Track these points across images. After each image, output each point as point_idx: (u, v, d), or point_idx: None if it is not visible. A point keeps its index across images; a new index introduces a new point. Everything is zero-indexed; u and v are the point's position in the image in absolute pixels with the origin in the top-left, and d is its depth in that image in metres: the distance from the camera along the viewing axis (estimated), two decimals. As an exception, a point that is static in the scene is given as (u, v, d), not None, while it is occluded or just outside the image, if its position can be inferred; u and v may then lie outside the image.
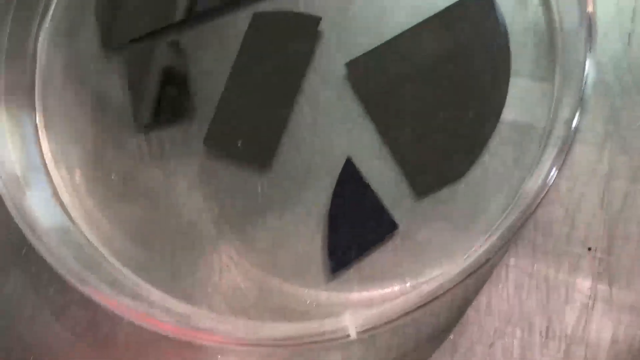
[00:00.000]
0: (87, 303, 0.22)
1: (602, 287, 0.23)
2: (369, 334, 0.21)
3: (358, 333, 0.20)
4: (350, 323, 0.21)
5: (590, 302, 0.23)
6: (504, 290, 0.24)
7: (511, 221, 0.21)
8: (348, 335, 0.20)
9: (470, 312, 0.24)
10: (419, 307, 0.21)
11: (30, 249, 0.23)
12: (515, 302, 0.24)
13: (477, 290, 0.24)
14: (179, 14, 0.25)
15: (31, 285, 0.25)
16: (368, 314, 0.21)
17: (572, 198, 0.24)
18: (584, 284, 0.23)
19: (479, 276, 0.23)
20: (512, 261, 0.24)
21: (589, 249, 0.23)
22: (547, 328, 0.23)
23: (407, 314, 0.21)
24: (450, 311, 0.24)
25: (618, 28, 0.25)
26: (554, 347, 0.23)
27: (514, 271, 0.24)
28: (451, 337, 0.24)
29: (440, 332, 0.24)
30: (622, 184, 0.24)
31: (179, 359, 0.24)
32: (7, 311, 0.25)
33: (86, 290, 0.21)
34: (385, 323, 0.21)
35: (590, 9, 0.22)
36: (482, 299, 0.24)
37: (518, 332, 0.24)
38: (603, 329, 0.23)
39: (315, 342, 0.21)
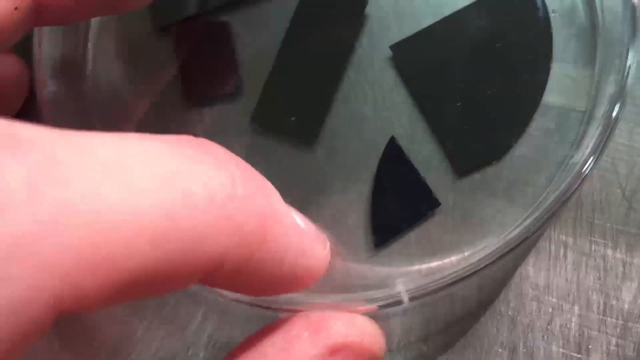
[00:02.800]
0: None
1: (658, 266, 0.23)
2: (421, 300, 0.21)
3: (410, 299, 0.20)
4: (403, 290, 0.21)
5: (647, 281, 0.23)
6: (562, 268, 0.24)
7: (551, 199, 0.21)
8: (401, 302, 0.20)
9: (529, 290, 0.24)
10: (472, 274, 0.20)
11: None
12: (573, 280, 0.24)
13: (531, 264, 0.24)
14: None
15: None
16: (420, 281, 0.21)
17: (630, 180, 0.24)
18: (640, 262, 0.23)
19: (524, 250, 0.24)
20: (570, 241, 0.24)
21: (646, 229, 0.23)
22: (605, 305, 0.23)
23: (459, 280, 0.21)
24: (500, 284, 0.24)
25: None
26: (611, 323, 0.23)
27: (572, 250, 0.24)
28: (510, 313, 0.24)
29: (496, 307, 0.24)
30: (680, 167, 0.24)
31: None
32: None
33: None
34: (438, 289, 0.21)
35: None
36: (540, 277, 0.24)
37: (576, 309, 0.24)
38: (659, 307, 0.23)
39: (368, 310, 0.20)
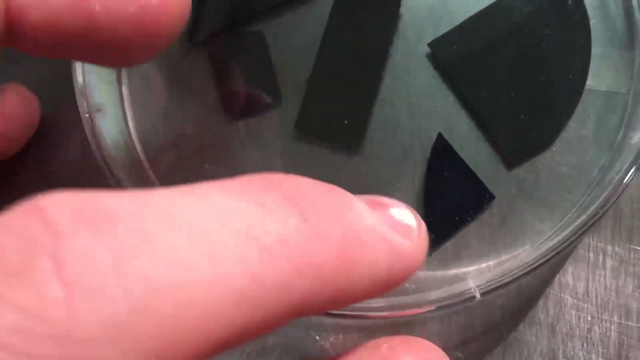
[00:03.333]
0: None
1: (697, 276, 0.23)
2: (493, 294, 0.21)
3: (482, 294, 0.21)
4: (474, 284, 0.21)
5: (685, 290, 0.23)
6: (601, 276, 0.24)
7: (591, 210, 0.21)
8: (474, 297, 0.21)
9: (568, 298, 0.24)
10: (539, 265, 0.21)
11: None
12: (612, 288, 0.24)
13: (570, 272, 0.24)
14: (260, 5, 0.26)
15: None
16: (489, 275, 0.21)
17: None
18: (679, 271, 0.23)
19: (563, 257, 0.24)
20: (609, 248, 0.24)
21: (685, 238, 0.23)
22: (645, 313, 0.23)
23: (529, 272, 0.21)
24: (538, 292, 0.24)
25: None
26: (651, 332, 0.23)
27: (611, 258, 0.24)
28: (549, 321, 0.24)
29: (535, 315, 0.24)
30: None
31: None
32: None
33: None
34: (509, 282, 0.21)
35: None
36: (580, 285, 0.24)
37: (615, 318, 0.23)
38: (697, 316, 0.23)
39: (443, 307, 0.21)
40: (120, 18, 0.17)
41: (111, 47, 0.17)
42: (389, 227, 0.15)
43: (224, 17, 0.26)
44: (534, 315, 0.24)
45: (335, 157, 0.25)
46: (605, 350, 0.23)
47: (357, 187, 0.24)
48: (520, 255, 0.23)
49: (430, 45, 0.25)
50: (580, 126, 0.24)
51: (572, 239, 0.21)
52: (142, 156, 0.25)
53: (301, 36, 0.25)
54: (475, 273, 0.23)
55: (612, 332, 0.24)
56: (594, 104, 0.24)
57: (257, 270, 0.12)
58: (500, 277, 0.21)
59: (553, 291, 0.24)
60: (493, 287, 0.21)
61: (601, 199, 0.22)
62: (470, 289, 0.20)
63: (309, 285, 0.13)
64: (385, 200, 0.16)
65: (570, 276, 0.24)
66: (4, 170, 0.25)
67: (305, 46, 0.25)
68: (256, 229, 0.12)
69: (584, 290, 0.24)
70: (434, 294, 0.21)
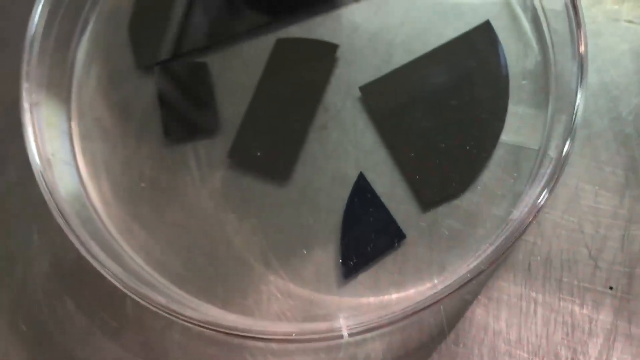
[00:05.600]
0: (139, 327, 0.25)
1: (622, 324, 0.24)
2: (360, 336, 0.22)
3: (350, 335, 0.22)
4: (344, 325, 0.22)
5: (612, 337, 0.24)
6: (533, 324, 0.24)
7: (508, 233, 0.23)
8: (341, 336, 0.22)
9: (502, 344, 0.24)
10: (412, 314, 0.22)
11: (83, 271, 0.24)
12: (543, 335, 0.24)
13: (504, 320, 0.25)
14: (206, 38, 0.27)
15: (85, 307, 0.26)
16: (361, 318, 0.22)
17: (595, 240, 0.25)
18: (606, 319, 0.24)
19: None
20: (540, 298, 0.25)
21: (611, 287, 0.25)
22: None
23: (399, 320, 0.22)
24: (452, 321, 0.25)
25: (637, 84, 0.26)
26: (579, 378, 0.24)
27: (542, 307, 0.25)
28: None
29: (457, 350, 0.24)
30: (641, 228, 0.25)
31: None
32: (62, 330, 0.26)
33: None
34: (375, 327, 0.22)
35: (582, 49, 0.24)
36: (512, 332, 0.25)
37: None
38: (623, 362, 0.24)
39: (310, 341, 0.22)
40: None
41: None
42: None
43: (172, 47, 0.27)
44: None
45: (265, 186, 0.26)
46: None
47: (282, 215, 0.25)
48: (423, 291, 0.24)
49: (361, 89, 0.26)
50: (492, 175, 0.26)
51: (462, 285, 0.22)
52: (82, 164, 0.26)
53: (243, 71, 0.27)
54: (352, 312, 0.24)
55: (542, 376, 0.24)
56: (505, 156, 0.26)
57: None
58: (377, 319, 0.22)
59: (487, 337, 0.24)
60: (363, 329, 0.22)
61: (499, 245, 0.23)
62: (339, 327, 0.21)
63: None
64: None
65: (503, 323, 0.25)
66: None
67: (246, 79, 0.27)
68: None
69: (517, 337, 0.24)
70: (305, 326, 0.22)
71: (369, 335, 0.23)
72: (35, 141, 0.25)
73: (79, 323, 0.25)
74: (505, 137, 0.26)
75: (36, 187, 0.25)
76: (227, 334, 0.22)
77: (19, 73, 0.26)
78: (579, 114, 0.24)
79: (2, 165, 0.27)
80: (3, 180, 0.27)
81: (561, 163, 0.23)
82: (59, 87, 0.27)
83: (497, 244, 0.23)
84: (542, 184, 0.23)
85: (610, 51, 0.27)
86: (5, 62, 0.28)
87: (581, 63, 0.24)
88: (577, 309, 0.24)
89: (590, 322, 0.24)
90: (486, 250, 0.23)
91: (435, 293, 0.22)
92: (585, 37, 0.24)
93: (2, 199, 0.27)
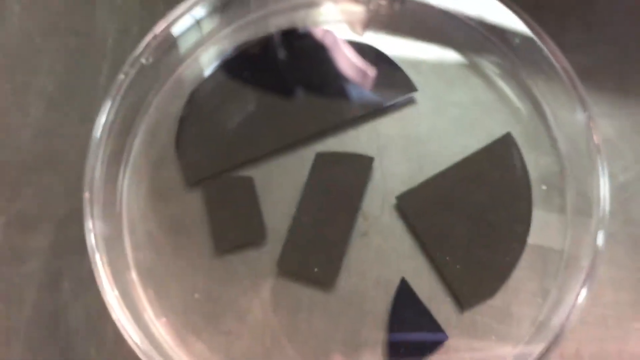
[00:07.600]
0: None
1: None
2: None
3: None
4: None
5: None
6: None
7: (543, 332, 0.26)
8: None
9: None
10: None
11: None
12: None
13: None
14: (252, 153, 0.29)
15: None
16: None
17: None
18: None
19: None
20: None
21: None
22: None
23: None
24: None
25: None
26: None
27: None
28: None
29: None
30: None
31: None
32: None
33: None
34: None
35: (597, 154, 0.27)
36: None
37: None
38: None
39: None
40: None
41: None
42: None
43: (218, 164, 0.29)
44: None
45: (313, 292, 0.28)
46: None
47: (329, 321, 0.27)
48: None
49: (398, 198, 0.29)
50: (522, 276, 0.28)
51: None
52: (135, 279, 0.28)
53: (286, 184, 0.29)
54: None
55: None
56: (533, 258, 0.28)
57: None
58: None
59: None
60: None
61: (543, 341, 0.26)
62: None
63: None
64: None
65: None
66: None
67: (289, 191, 0.29)
68: None
69: None
70: None
71: None
72: (105, 273, 0.26)
73: None
74: (531, 240, 0.28)
75: (95, 301, 0.26)
76: None
77: (70, 189, 0.28)
78: (605, 217, 0.26)
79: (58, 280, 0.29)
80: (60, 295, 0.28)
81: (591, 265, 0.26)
82: (112, 205, 0.28)
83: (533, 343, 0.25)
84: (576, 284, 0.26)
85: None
86: (56, 179, 0.30)
87: (597, 171, 0.27)
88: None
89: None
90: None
91: None
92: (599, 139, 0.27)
93: (61, 312, 0.28)
